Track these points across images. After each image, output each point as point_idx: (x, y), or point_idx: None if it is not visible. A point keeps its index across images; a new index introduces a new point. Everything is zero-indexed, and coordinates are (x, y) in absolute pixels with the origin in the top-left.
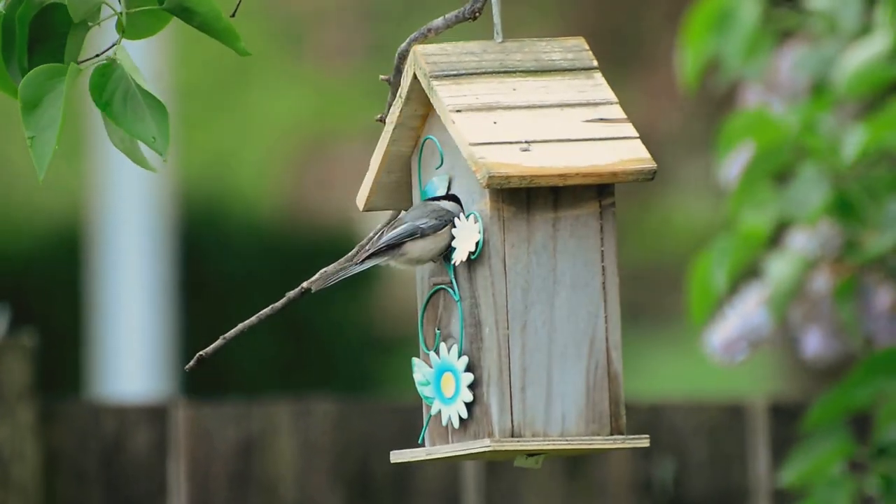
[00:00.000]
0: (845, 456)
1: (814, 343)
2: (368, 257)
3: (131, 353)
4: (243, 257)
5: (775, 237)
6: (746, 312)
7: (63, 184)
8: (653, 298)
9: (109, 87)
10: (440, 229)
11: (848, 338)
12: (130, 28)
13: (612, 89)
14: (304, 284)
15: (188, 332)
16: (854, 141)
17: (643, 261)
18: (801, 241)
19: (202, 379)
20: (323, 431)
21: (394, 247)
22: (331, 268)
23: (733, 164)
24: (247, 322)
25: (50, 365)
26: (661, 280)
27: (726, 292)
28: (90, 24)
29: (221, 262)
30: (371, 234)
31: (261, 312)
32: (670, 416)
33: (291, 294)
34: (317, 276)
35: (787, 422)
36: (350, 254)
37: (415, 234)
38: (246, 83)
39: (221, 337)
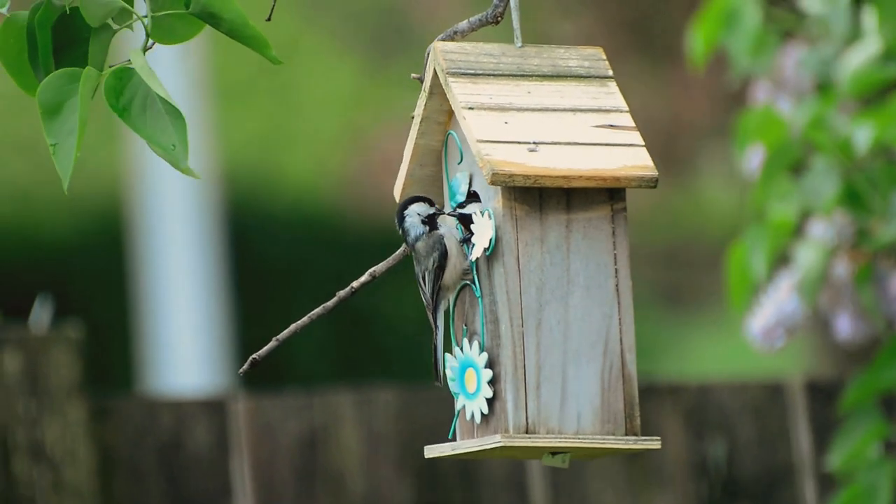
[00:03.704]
0: (880, 437)
1: (844, 326)
2: (434, 315)
3: (182, 344)
4: (292, 241)
5: (797, 226)
6: (780, 300)
7: (104, 169)
8: (689, 281)
9: (127, 93)
10: (444, 254)
11: (872, 320)
12: (163, 33)
13: (638, 79)
14: (354, 284)
15: (241, 320)
16: (864, 135)
17: (678, 245)
18: (819, 230)
19: (257, 370)
20: (387, 421)
21: (438, 291)
22: (379, 267)
23: (751, 158)
24: (299, 322)
25: (97, 359)
26: (695, 263)
27: (763, 280)
28: (115, 28)
29: (269, 247)
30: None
31: (312, 312)
32: (718, 396)
33: (342, 293)
34: (365, 276)
35: (824, 399)
36: (397, 253)
37: (440, 274)
38: (294, 60)
39: (274, 339)
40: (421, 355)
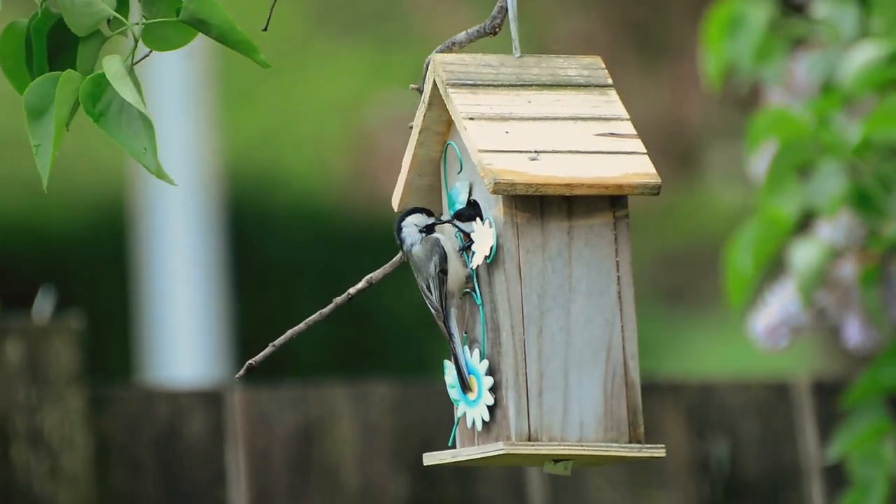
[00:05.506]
0: (883, 434)
1: (854, 332)
2: (447, 324)
3: (181, 336)
4: (292, 237)
5: (804, 227)
6: (785, 299)
7: (108, 163)
8: (693, 281)
9: (105, 98)
10: (443, 256)
11: (877, 323)
12: (157, 40)
13: (641, 78)
14: (351, 290)
15: (239, 313)
16: (854, 132)
17: (682, 245)
18: (826, 231)
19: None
20: (382, 415)
21: (445, 297)
22: (376, 273)
23: (761, 158)
24: (296, 328)
25: (97, 349)
26: (700, 263)
27: (763, 278)
28: (106, 35)
29: (270, 242)
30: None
31: (309, 318)
32: (721, 395)
33: (339, 300)
34: (362, 282)
35: (830, 399)
36: (394, 260)
37: (444, 278)
38: (298, 61)
39: (271, 344)
40: (420, 349)
